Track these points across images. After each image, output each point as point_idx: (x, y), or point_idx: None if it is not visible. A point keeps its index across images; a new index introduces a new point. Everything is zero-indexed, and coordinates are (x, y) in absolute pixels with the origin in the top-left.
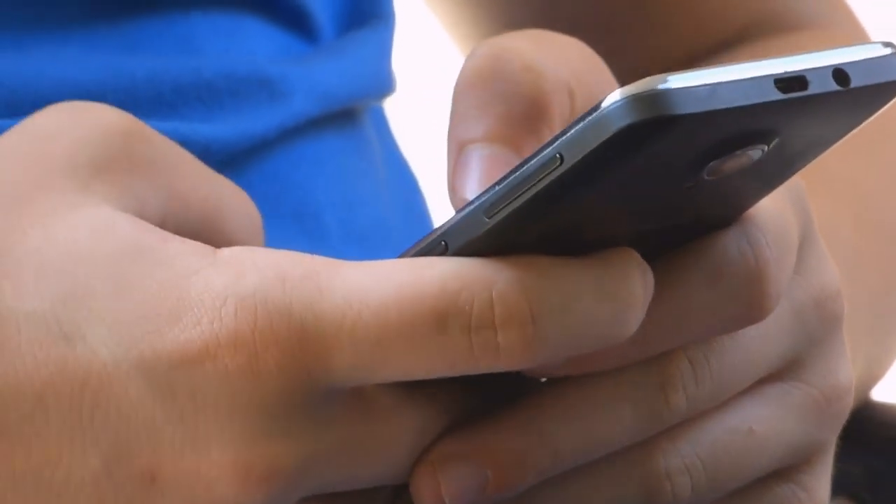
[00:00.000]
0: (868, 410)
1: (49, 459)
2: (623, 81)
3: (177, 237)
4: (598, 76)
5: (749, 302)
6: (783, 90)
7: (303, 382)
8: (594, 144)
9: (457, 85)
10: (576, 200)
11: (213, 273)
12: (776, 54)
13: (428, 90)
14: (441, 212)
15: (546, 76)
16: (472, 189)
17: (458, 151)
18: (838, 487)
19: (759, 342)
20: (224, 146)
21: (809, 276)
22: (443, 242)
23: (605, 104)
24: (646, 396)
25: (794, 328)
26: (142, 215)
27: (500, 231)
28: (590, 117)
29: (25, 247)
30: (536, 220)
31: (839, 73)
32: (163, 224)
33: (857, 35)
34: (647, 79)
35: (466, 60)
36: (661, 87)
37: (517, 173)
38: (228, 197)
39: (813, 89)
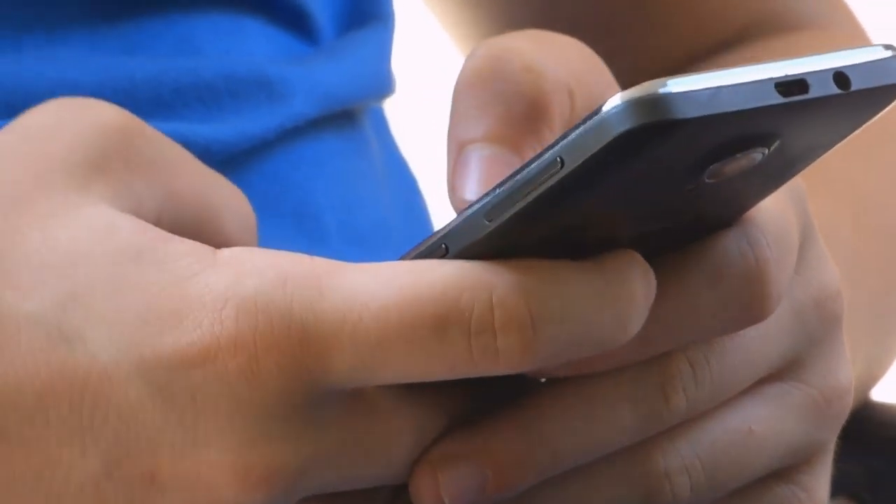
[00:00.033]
0: (868, 410)
1: (49, 461)
2: (623, 82)
3: (176, 237)
4: (598, 76)
5: (749, 302)
6: (784, 94)
7: (303, 383)
8: (595, 149)
9: (457, 85)
10: (576, 204)
11: (214, 274)
12: (776, 55)
13: (428, 90)
14: (441, 212)
15: (546, 76)
16: (472, 189)
17: (457, 151)
18: (838, 487)
19: (759, 342)
20: (224, 147)
21: (809, 277)
22: (443, 245)
23: (605, 108)
24: (645, 397)
25: (794, 328)
26: (139, 214)
27: (500, 234)
28: (590, 121)
29: (25, 248)
30: (537, 224)
31: (840, 77)
32: (158, 222)
33: (856, 35)
34: (648, 83)
35: (466, 60)
36: (662, 91)
37: (518, 177)
38: (225, 196)
39: (814, 93)
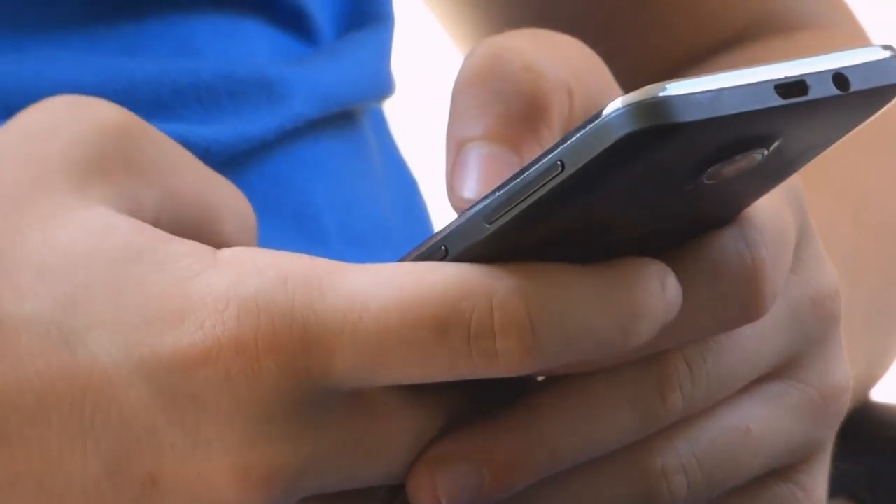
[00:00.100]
0: (868, 410)
1: (50, 463)
2: (623, 82)
3: (176, 238)
4: (598, 76)
5: (746, 301)
6: (783, 95)
7: (303, 384)
8: (595, 152)
9: (456, 84)
10: (576, 207)
11: (215, 275)
12: (776, 55)
13: (428, 90)
14: (441, 212)
15: (545, 76)
16: (471, 188)
17: (456, 150)
18: (838, 487)
19: (755, 341)
20: (224, 148)
21: (806, 276)
22: (443, 247)
23: (606, 112)
24: (643, 396)
25: (791, 327)
26: (137, 214)
27: (500, 237)
28: (591, 125)
29: (25, 249)
30: (537, 227)
31: (839, 78)
32: (157, 222)
33: (856, 35)
34: (648, 87)
35: (466, 60)
36: (662, 94)
37: (518, 179)
38: (225, 196)
39: (813, 94)
